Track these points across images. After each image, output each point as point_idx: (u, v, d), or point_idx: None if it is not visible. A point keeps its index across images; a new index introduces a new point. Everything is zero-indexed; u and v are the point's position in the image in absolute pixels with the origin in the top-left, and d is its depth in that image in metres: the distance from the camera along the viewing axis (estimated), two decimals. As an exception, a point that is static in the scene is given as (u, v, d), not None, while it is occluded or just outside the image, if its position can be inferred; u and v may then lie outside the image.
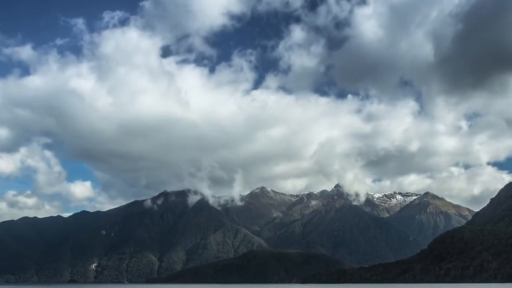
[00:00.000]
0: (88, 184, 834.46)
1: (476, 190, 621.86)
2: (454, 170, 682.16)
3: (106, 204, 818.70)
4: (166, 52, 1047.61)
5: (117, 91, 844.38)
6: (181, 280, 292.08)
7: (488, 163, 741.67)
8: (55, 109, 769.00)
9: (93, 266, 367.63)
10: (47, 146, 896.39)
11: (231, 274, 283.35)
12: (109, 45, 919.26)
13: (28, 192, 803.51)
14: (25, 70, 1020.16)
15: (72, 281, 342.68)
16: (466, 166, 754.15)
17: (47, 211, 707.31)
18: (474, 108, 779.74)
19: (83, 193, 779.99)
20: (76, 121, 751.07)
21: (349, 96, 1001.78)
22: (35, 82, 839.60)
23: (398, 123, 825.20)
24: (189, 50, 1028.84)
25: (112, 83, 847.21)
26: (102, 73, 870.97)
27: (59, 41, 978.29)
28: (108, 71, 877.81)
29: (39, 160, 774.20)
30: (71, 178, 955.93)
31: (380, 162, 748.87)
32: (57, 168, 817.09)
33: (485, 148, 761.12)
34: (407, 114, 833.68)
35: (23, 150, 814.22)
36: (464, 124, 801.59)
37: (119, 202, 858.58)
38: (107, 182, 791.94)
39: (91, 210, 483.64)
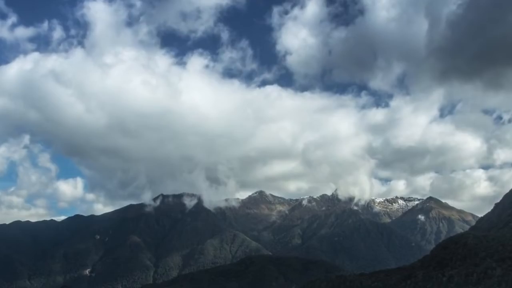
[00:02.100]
0: (76, 183, 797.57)
1: (495, 192, 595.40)
2: (471, 170, 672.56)
3: (95, 204, 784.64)
4: (162, 35, 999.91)
5: (107, 78, 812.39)
6: (177, 286, 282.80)
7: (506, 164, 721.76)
8: (38, 100, 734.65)
9: (87, 271, 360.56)
10: (31, 141, 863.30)
11: (229, 280, 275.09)
12: (99, 25, 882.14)
13: (12, 190, 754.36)
14: (1, 55, 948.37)
15: (65, 286, 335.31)
16: (485, 167, 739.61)
17: (34, 211, 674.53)
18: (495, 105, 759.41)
19: (71, 192, 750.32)
20: (63, 113, 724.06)
21: (354, 90, 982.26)
22: (14, 69, 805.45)
23: (407, 120, 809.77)
24: (189, 32, 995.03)
25: (102, 69, 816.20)
26: (91, 58, 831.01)
27: (41, 21, 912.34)
28: (98, 54, 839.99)
29: (23, 157, 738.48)
30: (58, 176, 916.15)
31: (387, 163, 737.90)
32: (44, 165, 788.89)
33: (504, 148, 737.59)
34: (417, 110, 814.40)
35: (4, 146, 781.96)
36: (477, 122, 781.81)
37: (110, 203, 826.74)
38: (97, 181, 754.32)
39: (81, 211, 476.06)
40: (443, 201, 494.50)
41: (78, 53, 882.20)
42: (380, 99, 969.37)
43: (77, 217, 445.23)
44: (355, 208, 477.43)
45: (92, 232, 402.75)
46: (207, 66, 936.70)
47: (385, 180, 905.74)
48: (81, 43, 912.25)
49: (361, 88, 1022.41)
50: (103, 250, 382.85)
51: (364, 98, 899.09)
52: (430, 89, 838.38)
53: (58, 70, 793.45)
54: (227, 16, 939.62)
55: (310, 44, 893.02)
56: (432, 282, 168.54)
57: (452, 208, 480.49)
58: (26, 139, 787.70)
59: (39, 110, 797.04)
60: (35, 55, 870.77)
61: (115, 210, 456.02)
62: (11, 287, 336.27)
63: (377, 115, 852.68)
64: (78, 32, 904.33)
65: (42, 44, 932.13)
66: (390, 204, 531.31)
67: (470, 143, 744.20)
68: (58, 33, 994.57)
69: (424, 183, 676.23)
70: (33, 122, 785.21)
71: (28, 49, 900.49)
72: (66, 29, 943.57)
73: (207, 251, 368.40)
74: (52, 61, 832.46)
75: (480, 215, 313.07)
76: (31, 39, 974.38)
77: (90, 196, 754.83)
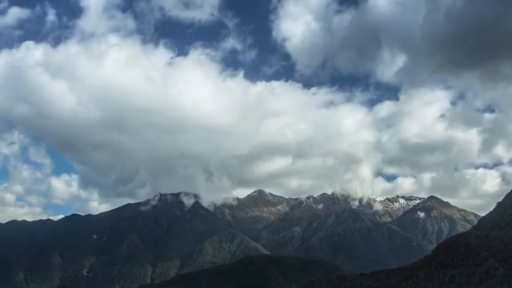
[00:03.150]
0: (69, 179, 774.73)
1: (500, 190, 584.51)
2: (475, 168, 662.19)
3: (90, 202, 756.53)
4: (160, 24, 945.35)
5: (102, 69, 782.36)
6: (175, 286, 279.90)
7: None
8: (28, 92, 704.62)
9: (84, 271, 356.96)
10: (22, 136, 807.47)
11: (227, 280, 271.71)
12: (93, 10, 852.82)
13: (5, 186, 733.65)
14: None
15: (62, 287, 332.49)
16: (489, 164, 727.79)
17: (27, 208, 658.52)
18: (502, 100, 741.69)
19: (64, 189, 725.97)
20: (54, 106, 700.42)
21: (359, 84, 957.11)
22: (1, 59, 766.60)
23: (414, 115, 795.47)
24: (190, 21, 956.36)
25: (96, 58, 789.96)
26: (85, 47, 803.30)
27: (33, 5, 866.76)
28: (92, 44, 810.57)
29: (14, 153, 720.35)
30: (50, 172, 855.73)
31: (392, 160, 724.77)
32: (35, 161, 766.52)
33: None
34: (423, 104, 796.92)
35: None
36: (486, 116, 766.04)
37: (106, 200, 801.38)
38: (91, 178, 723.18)
39: (75, 208, 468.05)
40: (445, 200, 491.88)
41: (70, 42, 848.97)
42: (384, 93, 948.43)
43: (74, 216, 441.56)
44: (356, 207, 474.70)
45: (89, 231, 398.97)
46: (207, 58, 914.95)
47: (391, 177, 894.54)
48: (74, 31, 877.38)
49: (366, 81, 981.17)
50: (100, 249, 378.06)
51: (368, 92, 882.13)
52: (437, 82, 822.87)
53: (49, 60, 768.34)
54: (229, 4, 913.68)
55: (314, 30, 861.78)
56: (433, 282, 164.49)
57: (453, 207, 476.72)
58: (16, 133, 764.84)
59: (29, 102, 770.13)
60: (25, 43, 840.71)
61: (113, 210, 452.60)
62: (7, 287, 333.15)
63: (383, 109, 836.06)
64: (71, 18, 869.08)
65: (33, 31, 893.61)
66: (391, 203, 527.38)
67: (474, 139, 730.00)
68: (50, 18, 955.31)
69: (430, 180, 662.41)
70: (23, 115, 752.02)
71: (17, 37, 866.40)
72: (58, 14, 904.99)
73: (206, 250, 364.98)
74: (43, 50, 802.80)
75: (482, 214, 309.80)
76: (20, 26, 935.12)
77: (85, 193, 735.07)
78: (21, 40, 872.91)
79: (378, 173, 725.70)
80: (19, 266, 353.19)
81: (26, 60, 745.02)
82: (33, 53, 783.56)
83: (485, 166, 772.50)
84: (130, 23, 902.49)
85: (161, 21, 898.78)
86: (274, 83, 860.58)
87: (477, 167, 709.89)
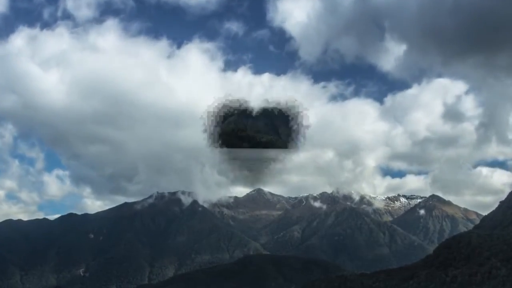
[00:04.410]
0: (61, 176, 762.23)
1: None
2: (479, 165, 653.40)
3: (84, 199, 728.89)
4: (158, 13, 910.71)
5: (97, 58, 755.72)
6: (173, 286, 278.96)
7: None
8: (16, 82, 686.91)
9: (81, 271, 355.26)
10: (11, 130, 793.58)
11: (226, 280, 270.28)
12: None
13: None
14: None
15: (58, 287, 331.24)
16: (493, 161, 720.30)
17: (20, 205, 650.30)
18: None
19: (56, 186, 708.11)
20: (44, 98, 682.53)
21: (361, 75, 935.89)
22: None
23: (418, 110, 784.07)
24: (188, 9, 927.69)
25: (90, 47, 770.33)
26: (77, 35, 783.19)
27: None
28: (85, 32, 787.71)
29: (1, 147, 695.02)
30: (41, 168, 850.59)
31: (398, 156, 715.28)
32: (25, 156, 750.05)
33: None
34: (428, 98, 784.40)
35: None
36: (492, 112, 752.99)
37: (100, 198, 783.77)
38: (85, 175, 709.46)
39: (70, 206, 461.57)
40: (448, 198, 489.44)
41: (61, 29, 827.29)
42: (390, 85, 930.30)
43: (70, 215, 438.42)
44: (356, 206, 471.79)
45: (86, 231, 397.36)
46: (207, 50, 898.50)
47: (398, 173, 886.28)
48: (65, 17, 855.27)
49: (370, 73, 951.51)
50: (97, 249, 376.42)
51: (376, 85, 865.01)
52: (443, 75, 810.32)
53: (39, 47, 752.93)
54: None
55: (317, 17, 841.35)
56: (435, 282, 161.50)
57: (455, 206, 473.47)
58: (4, 127, 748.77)
59: (17, 94, 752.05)
60: (13, 29, 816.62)
61: (109, 209, 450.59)
62: (3, 287, 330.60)
63: (388, 103, 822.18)
64: (62, 3, 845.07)
65: (21, 16, 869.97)
66: (392, 202, 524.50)
67: (479, 135, 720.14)
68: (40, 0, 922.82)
69: (436, 177, 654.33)
70: (10, 107, 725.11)
71: (4, 21, 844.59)
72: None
73: (204, 250, 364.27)
74: (32, 36, 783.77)
75: (485, 213, 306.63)
76: (9, 11, 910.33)
77: (78, 190, 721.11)
78: (8, 25, 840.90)
79: (384, 168, 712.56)
80: (14, 266, 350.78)
81: (12, 48, 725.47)
82: (20, 39, 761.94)
83: (489, 163, 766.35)
84: (128, 11, 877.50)
85: (161, 7, 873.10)
86: (280, 76, 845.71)
87: (482, 164, 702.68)
